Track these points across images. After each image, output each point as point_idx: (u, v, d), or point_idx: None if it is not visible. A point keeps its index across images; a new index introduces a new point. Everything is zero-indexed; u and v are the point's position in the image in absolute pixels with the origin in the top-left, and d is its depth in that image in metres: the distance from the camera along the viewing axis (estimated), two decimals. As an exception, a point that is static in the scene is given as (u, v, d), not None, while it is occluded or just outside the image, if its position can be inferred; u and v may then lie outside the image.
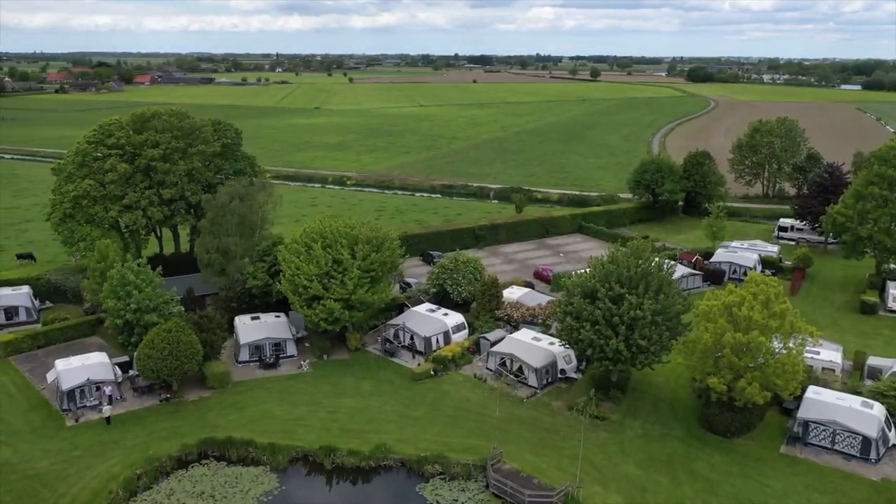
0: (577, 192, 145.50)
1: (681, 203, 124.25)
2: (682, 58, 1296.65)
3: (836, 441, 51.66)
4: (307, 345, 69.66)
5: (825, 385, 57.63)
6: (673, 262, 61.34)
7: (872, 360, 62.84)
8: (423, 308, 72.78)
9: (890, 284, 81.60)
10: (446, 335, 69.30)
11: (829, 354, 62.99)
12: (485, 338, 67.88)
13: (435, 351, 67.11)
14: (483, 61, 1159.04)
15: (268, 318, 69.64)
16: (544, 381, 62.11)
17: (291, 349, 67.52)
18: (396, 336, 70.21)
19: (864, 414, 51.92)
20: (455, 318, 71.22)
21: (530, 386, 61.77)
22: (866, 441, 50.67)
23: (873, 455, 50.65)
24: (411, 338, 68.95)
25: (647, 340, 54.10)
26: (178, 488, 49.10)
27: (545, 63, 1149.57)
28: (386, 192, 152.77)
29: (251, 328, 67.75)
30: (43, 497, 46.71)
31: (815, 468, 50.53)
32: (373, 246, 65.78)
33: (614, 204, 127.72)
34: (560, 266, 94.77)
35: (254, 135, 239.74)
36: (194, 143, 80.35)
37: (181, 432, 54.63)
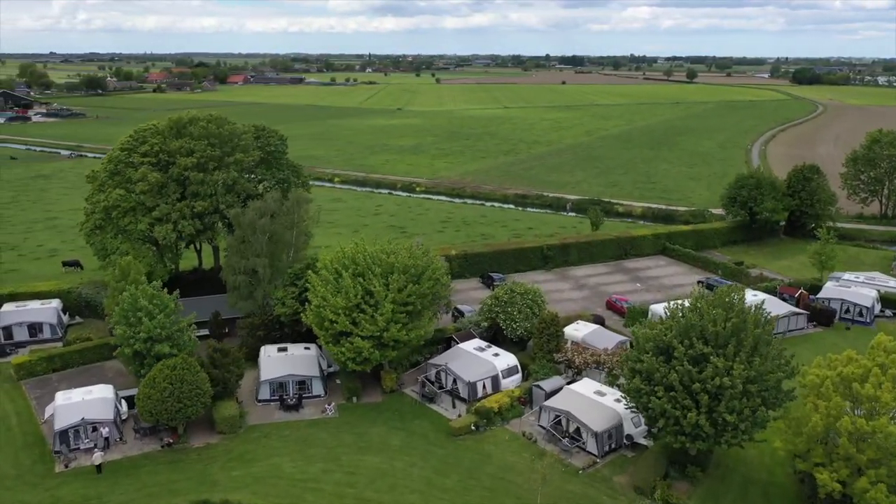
0: (663, 206, 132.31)
1: (782, 223, 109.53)
2: (786, 58, 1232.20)
3: None
4: (338, 381, 61.61)
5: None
6: (772, 314, 49.49)
7: None
8: (472, 345, 63.39)
9: None
10: (495, 381, 59.70)
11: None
12: (539, 387, 57.83)
13: (480, 399, 57.70)
14: (574, 62, 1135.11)
15: (295, 351, 62.02)
16: (606, 448, 51.57)
17: (318, 388, 59.55)
18: (438, 378, 61.14)
19: None
20: (507, 359, 61.51)
21: (589, 452, 51.39)
22: None
23: None
24: (454, 381, 59.69)
25: (737, 415, 42.82)
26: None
27: (639, 64, 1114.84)
28: (455, 200, 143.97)
29: (275, 362, 60.25)
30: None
31: None
32: (411, 276, 56.92)
33: (704, 222, 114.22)
34: (637, 295, 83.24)
35: (331, 136, 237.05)
36: (233, 151, 73.82)
37: (175, 489, 47.34)
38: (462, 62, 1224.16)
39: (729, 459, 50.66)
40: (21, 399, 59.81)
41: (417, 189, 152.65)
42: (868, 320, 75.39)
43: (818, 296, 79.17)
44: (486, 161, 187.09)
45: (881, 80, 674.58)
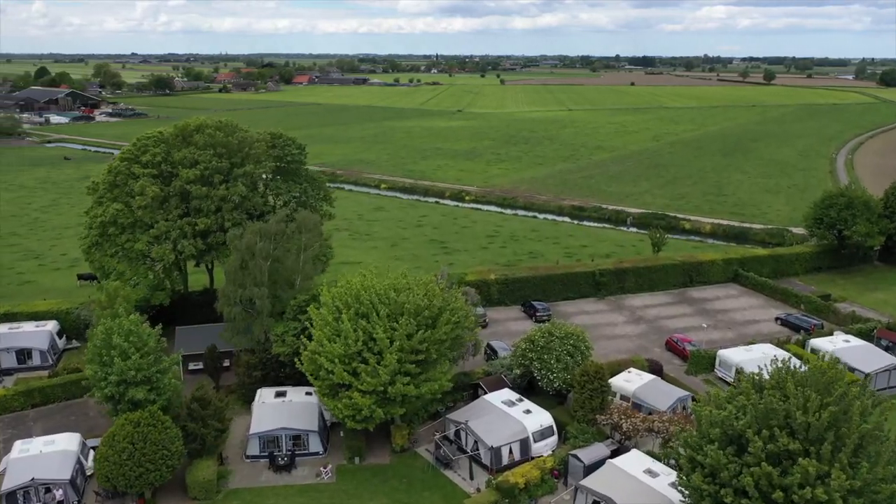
0: (735, 223, 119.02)
1: (877, 249, 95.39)
2: (872, 59, 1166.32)
3: None
4: (342, 434, 52.81)
5: None
6: (885, 400, 38.02)
7: None
8: (500, 398, 53.58)
9: None
10: (524, 445, 49.79)
11: None
12: (576, 457, 47.59)
13: (504, 468, 47.94)
14: (645, 62, 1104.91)
15: (295, 396, 53.53)
16: (657, 549, 41.09)
17: (315, 444, 50.86)
18: (457, 437, 51.62)
19: None
20: (540, 418, 51.46)
21: (634, 553, 41.02)
22: None
23: None
24: (475, 444, 50.05)
25: (833, 539, 31.81)
26: None
27: (713, 65, 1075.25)
28: (506, 211, 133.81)
29: (268, 412, 51.87)
30: None
31: None
32: (424, 319, 47.55)
33: (783, 244, 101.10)
34: (703, 333, 71.62)
35: (385, 138, 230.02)
36: (242, 161, 66.02)
37: (125, 576, 39.47)
38: (529, 62, 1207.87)
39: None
40: (-12, 441, 53.31)
41: (466, 198, 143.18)
42: None
43: (926, 343, 66.11)
44: (543, 168, 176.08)
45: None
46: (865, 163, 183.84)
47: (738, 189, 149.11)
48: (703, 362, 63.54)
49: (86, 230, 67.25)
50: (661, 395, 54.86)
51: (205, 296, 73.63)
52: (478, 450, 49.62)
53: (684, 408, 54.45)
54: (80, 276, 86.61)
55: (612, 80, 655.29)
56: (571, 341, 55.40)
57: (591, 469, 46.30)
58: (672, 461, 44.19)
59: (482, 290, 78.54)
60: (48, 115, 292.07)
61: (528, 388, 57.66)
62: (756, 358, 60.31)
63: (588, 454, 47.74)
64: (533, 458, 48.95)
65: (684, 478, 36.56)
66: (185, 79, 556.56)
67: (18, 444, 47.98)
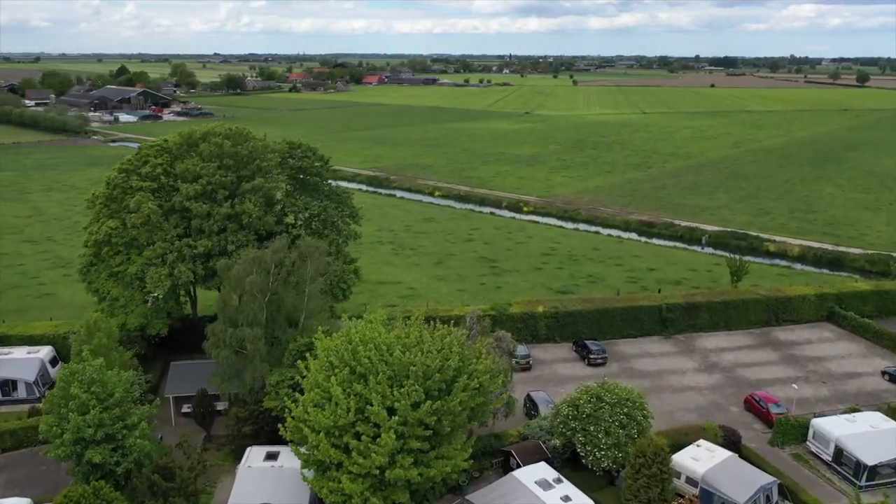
0: (828, 247, 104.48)
1: None
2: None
3: None
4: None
5: None
6: None
7: None
8: (534, 476, 43.32)
9: None
10: (558, 545, 39.56)
11: None
12: (625, 570, 37.11)
13: (532, 577, 37.91)
14: (726, 63, 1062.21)
15: (286, 460, 44.61)
16: None
17: (305, 525, 42.05)
18: (477, 525, 41.79)
19: None
20: (581, 506, 41.14)
21: None
22: None
23: None
24: (497, 539, 40.13)
25: None
26: None
27: (799, 66, 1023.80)
28: (566, 225, 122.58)
29: (253, 479, 43.30)
30: None
31: None
32: (435, 384, 37.92)
33: (889, 276, 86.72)
34: (794, 392, 59.29)
35: (446, 141, 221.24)
36: (252, 175, 57.93)
37: None
38: (604, 63, 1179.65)
39: None
40: (-57, 495, 46.76)
41: (524, 209, 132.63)
42: None
43: None
44: (610, 176, 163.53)
45: None
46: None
47: (831, 205, 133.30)
48: (792, 432, 51.69)
49: (83, 248, 60.61)
50: (739, 481, 43.54)
51: (214, 319, 66.00)
52: (500, 547, 39.73)
53: (768, 499, 43.11)
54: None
55: (690, 82, 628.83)
56: (625, 409, 44.72)
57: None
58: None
59: (528, 323, 68.52)
60: (118, 113, 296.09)
61: (572, 460, 47.31)
62: (861, 432, 48.75)
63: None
64: (570, 563, 38.75)
65: None
66: (259, 78, 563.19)
67: (-43, 511, 41.02)
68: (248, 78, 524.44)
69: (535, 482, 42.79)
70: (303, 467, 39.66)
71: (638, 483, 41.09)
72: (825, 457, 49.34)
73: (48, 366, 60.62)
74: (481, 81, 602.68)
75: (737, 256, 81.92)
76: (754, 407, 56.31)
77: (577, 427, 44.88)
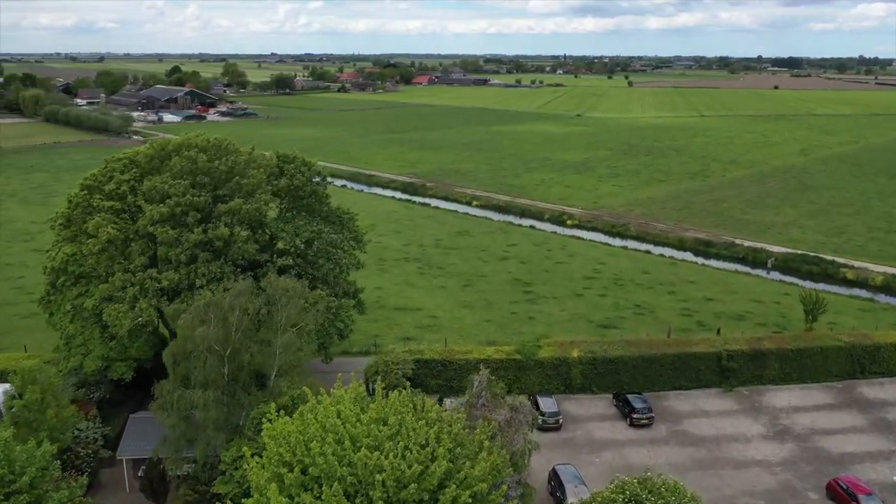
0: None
1: None
2: None
3: None
4: None
5: None
6: None
7: None
8: None
9: None
10: None
11: None
12: None
13: None
14: (790, 64, 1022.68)
15: (241, 561, 35.69)
16: None
17: None
18: None
19: None
20: None
21: None
22: None
23: None
24: None
25: None
26: None
27: (869, 66, 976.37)
28: (613, 242, 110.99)
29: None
30: None
31: None
32: (411, 495, 27.97)
33: None
34: (889, 468, 47.50)
35: (490, 145, 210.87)
36: (232, 194, 49.09)
37: None
38: (661, 63, 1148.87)
39: None
40: None
41: (568, 222, 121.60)
42: None
43: None
44: (664, 186, 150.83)
45: None
46: None
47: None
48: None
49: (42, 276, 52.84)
50: None
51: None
52: None
53: None
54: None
55: (752, 83, 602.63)
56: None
57: None
58: None
59: (560, 370, 58.15)
60: (163, 113, 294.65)
61: (603, 570, 36.89)
62: None
63: None
64: None
65: None
66: (310, 78, 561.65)
67: None
68: (298, 78, 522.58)
69: None
70: None
71: None
72: (938, 578, 37.82)
73: (2, 409, 52.95)
74: (533, 82, 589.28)
75: (813, 291, 69.50)
76: (840, 496, 44.76)
77: (611, 535, 34.51)
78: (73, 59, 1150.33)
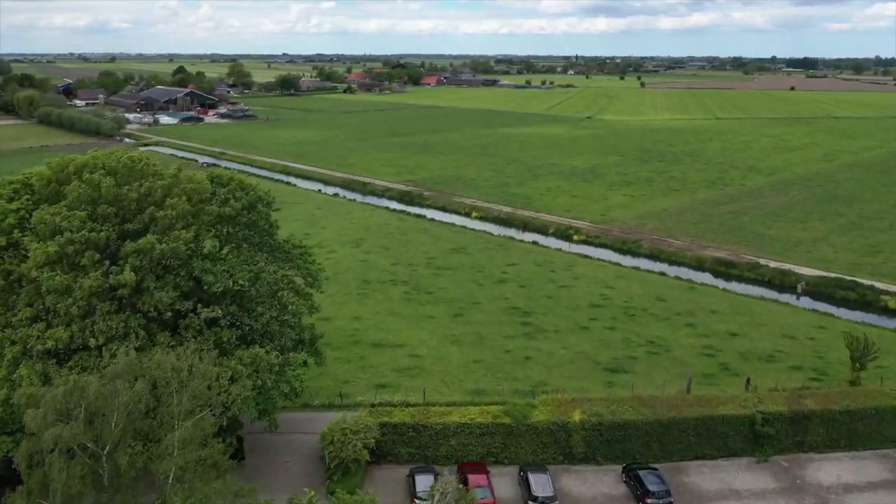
0: (971, 305, 79.81)
1: None
2: None
3: None
4: None
5: None
6: None
7: None
8: None
9: None
10: None
11: None
12: None
13: None
14: (805, 64, 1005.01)
15: None
16: None
17: None
18: None
19: None
20: None
21: None
22: None
23: None
24: None
25: None
26: None
27: (887, 67, 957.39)
28: (624, 261, 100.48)
29: None
30: None
31: None
32: None
33: None
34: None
35: (495, 150, 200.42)
36: (144, 229, 39.13)
37: None
38: (674, 64, 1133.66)
39: None
40: None
41: (575, 238, 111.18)
42: None
43: None
44: (679, 196, 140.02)
45: None
46: None
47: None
48: None
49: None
50: None
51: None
52: None
53: None
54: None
55: (767, 84, 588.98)
56: None
57: None
58: None
59: (558, 437, 47.89)
60: (159, 115, 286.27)
61: None
62: None
63: None
64: None
65: None
66: (317, 78, 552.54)
67: None
68: (304, 78, 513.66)
69: None
70: None
71: None
72: None
73: None
74: (543, 83, 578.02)
75: (860, 334, 58.60)
76: None
77: None
78: (84, 59, 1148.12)
